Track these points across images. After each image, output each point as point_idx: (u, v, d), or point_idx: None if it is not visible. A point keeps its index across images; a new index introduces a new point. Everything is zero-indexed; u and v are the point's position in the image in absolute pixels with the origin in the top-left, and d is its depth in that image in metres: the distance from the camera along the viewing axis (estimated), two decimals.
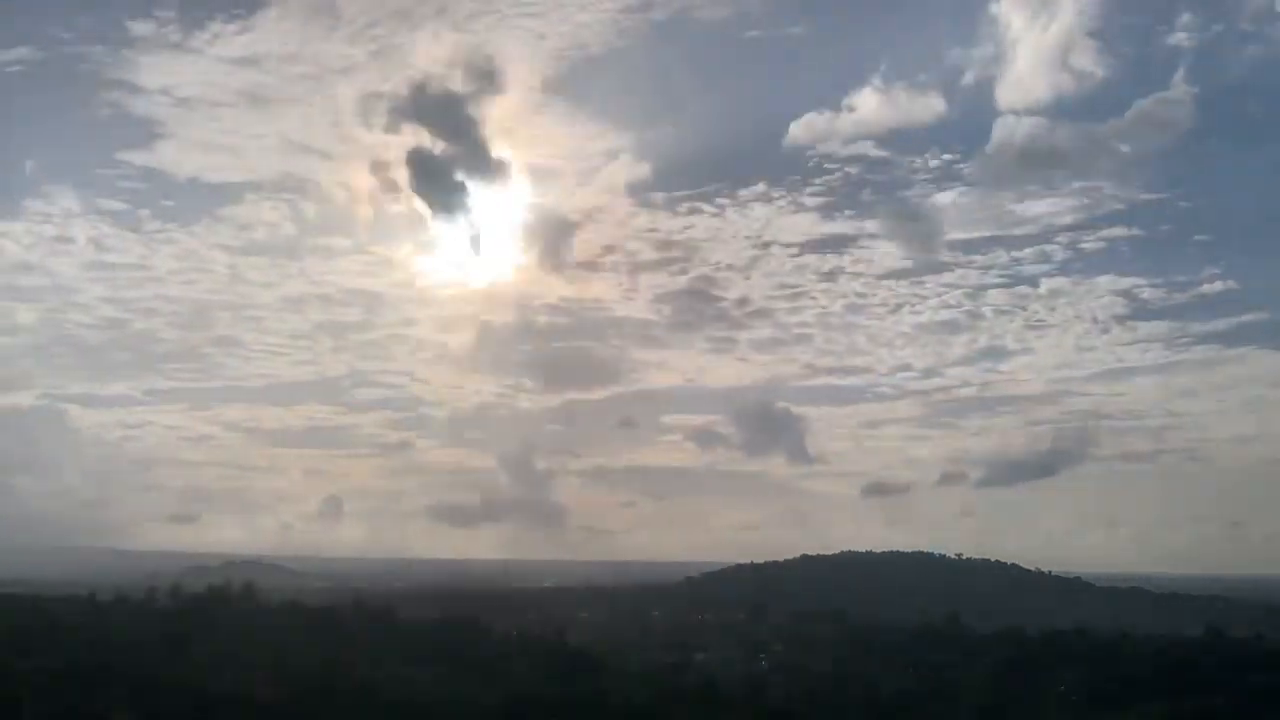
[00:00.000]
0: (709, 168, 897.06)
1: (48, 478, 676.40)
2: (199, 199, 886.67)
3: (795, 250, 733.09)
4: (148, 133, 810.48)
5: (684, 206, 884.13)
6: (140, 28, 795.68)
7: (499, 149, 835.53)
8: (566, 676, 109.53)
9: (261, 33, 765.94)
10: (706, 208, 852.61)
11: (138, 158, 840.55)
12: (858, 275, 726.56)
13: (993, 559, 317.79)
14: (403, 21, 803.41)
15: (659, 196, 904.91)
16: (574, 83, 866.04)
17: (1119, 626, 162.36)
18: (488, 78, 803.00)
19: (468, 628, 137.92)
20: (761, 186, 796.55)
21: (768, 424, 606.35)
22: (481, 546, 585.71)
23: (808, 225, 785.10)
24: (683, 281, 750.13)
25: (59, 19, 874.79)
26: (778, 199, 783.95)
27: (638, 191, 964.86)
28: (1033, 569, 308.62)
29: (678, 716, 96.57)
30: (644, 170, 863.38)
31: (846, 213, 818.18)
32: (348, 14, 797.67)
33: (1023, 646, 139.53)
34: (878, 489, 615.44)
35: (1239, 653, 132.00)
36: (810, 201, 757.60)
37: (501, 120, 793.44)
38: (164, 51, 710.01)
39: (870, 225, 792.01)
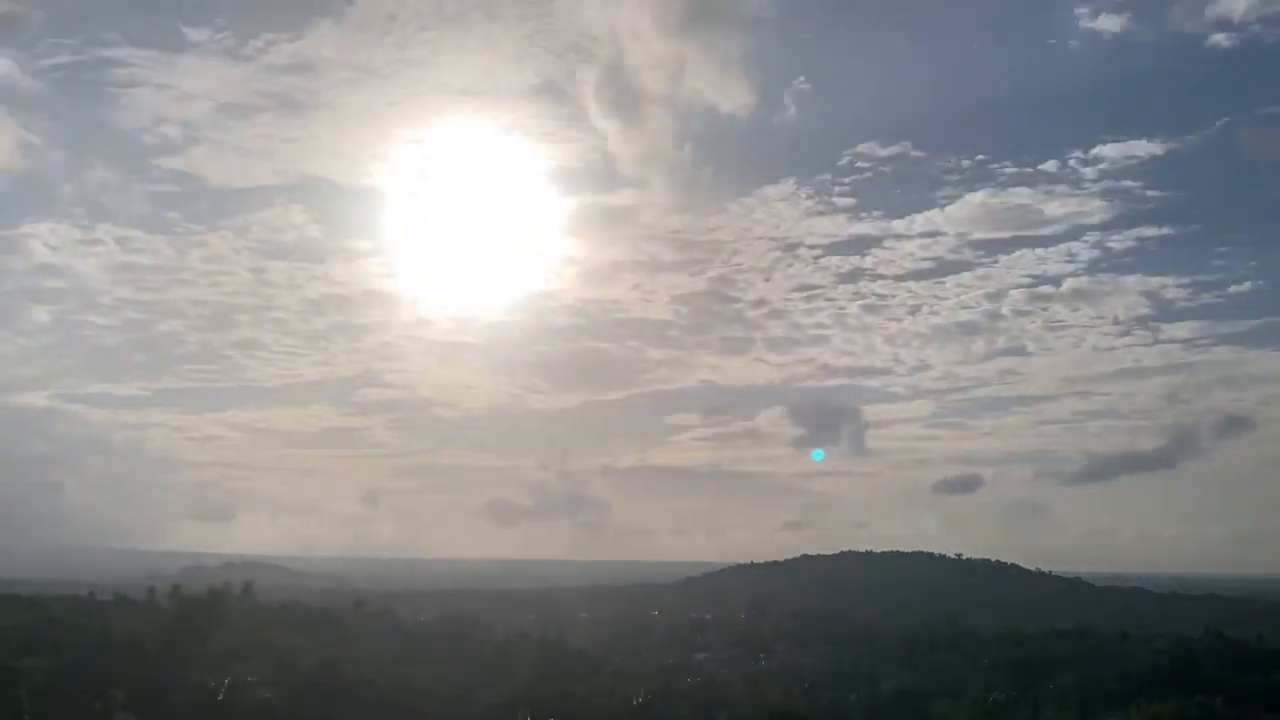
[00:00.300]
0: None
1: (55, 478, 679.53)
2: (229, 203, 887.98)
3: None
4: (187, 136, 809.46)
5: None
6: (196, 34, 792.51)
7: None
8: (566, 676, 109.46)
9: (311, 40, 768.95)
10: None
11: (172, 162, 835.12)
12: None
13: (993, 559, 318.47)
14: None
15: None
16: None
17: (1119, 626, 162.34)
18: None
19: (468, 627, 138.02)
20: None
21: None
22: (482, 546, 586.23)
23: None
24: None
25: (110, 22, 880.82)
26: None
27: None
28: (1033, 569, 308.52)
29: (678, 716, 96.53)
30: None
31: None
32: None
33: (1023, 646, 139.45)
34: (891, 489, 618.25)
35: (1239, 653, 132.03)
36: None
37: None
38: (215, 57, 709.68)
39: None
